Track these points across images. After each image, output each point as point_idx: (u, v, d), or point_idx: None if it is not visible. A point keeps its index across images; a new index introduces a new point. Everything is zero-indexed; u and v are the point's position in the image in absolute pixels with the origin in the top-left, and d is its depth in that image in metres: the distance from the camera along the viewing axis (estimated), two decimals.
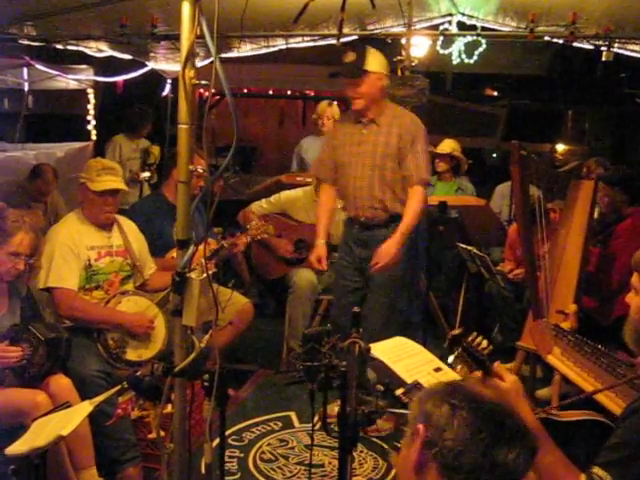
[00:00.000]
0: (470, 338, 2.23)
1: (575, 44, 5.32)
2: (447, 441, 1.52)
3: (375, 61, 4.23)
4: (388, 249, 4.20)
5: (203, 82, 2.28)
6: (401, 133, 4.26)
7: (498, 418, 1.56)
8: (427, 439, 1.55)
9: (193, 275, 2.29)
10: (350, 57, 4.20)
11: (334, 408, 3.53)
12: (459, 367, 2.52)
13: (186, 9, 2.23)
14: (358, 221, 4.42)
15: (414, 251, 4.47)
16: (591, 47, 5.22)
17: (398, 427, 4.36)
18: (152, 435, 3.72)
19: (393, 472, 4.02)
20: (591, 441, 2.45)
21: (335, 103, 6.60)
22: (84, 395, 3.43)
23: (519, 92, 11.59)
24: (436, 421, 1.55)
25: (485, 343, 2.23)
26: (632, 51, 5.35)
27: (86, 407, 3.02)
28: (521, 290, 5.33)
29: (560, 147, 10.35)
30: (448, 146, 6.66)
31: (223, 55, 6.38)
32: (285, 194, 5.71)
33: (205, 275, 2.32)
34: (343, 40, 5.70)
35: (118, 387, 2.98)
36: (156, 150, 6.98)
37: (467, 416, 1.53)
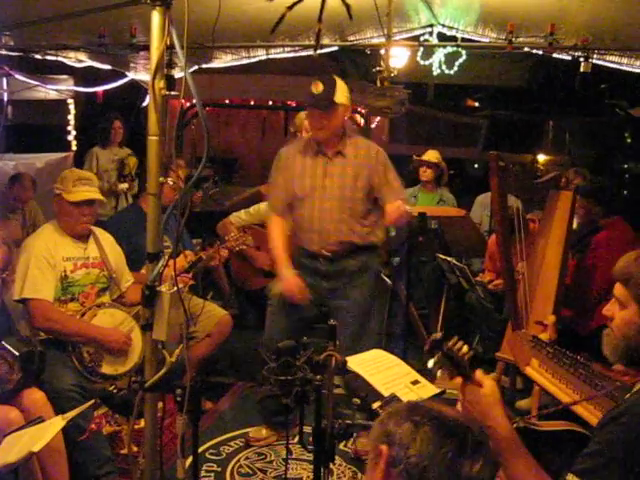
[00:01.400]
0: (451, 343, 2.20)
1: (554, 55, 5.33)
2: (411, 457, 1.52)
3: (343, 92, 4.12)
4: (398, 206, 4.12)
5: (173, 93, 2.26)
6: (371, 165, 4.18)
7: (460, 432, 1.56)
8: (391, 458, 1.55)
9: (163, 288, 2.26)
10: (319, 88, 4.06)
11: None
12: (439, 372, 2.51)
13: (156, 19, 2.21)
14: (323, 256, 4.25)
15: (375, 285, 4.40)
16: (569, 58, 5.23)
17: None
18: (124, 450, 3.67)
19: None
20: (569, 452, 2.43)
21: None
22: (59, 409, 3.37)
23: (500, 103, 11.64)
24: (399, 439, 1.55)
25: (466, 348, 2.20)
26: (611, 62, 5.37)
27: (58, 422, 2.98)
28: (501, 301, 5.32)
29: (541, 157, 10.37)
30: (433, 156, 6.68)
31: (204, 66, 6.36)
32: (264, 205, 5.66)
33: (176, 288, 2.29)
34: (322, 51, 5.70)
35: (91, 402, 2.95)
36: (132, 161, 6.94)
37: (430, 431, 1.54)
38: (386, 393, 2.73)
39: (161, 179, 2.31)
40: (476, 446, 1.55)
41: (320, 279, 4.29)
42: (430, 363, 2.78)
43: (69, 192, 3.95)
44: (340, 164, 4.20)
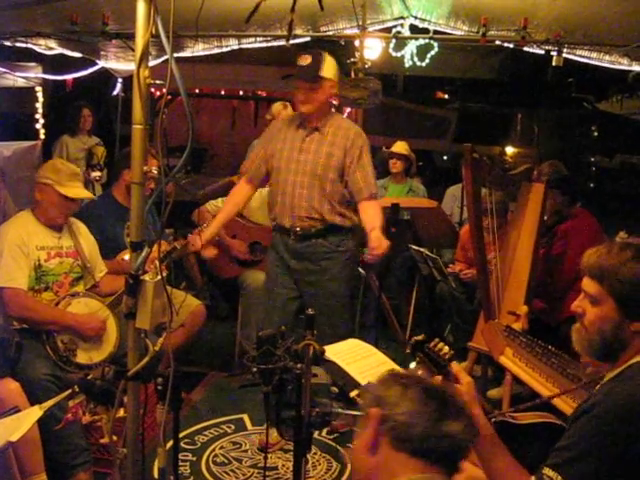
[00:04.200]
0: (432, 344, 2.26)
1: (526, 49, 5.39)
2: (399, 415, 1.67)
3: (330, 68, 4.12)
4: (380, 240, 4.00)
5: (158, 82, 2.25)
6: (347, 146, 4.14)
7: (444, 395, 1.74)
8: (381, 417, 1.69)
9: (147, 277, 2.27)
10: (306, 60, 4.08)
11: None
12: (420, 372, 2.54)
13: (141, 7, 2.20)
14: (294, 232, 4.22)
15: (350, 269, 4.37)
16: (542, 52, 5.29)
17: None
18: (104, 440, 3.65)
19: (346, 474, 4.03)
20: (545, 443, 2.48)
21: (290, 106, 6.59)
22: (33, 399, 3.37)
23: (470, 95, 11.74)
24: (388, 400, 1.70)
25: (447, 349, 2.25)
26: (581, 56, 5.44)
27: (36, 412, 2.96)
28: (472, 291, 5.38)
29: (509, 150, 10.48)
30: (403, 147, 6.72)
31: (175, 55, 6.31)
32: None
33: (159, 277, 2.29)
34: (294, 41, 5.70)
35: (69, 391, 2.93)
36: (99, 150, 6.90)
37: (416, 392, 1.70)
38: (363, 382, 2.75)
39: (145, 168, 2.30)
40: (457, 408, 1.71)
41: (290, 257, 4.27)
42: (412, 365, 2.81)
43: (64, 186, 3.92)
44: (317, 141, 4.19)
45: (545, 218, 4.89)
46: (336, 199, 4.17)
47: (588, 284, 2.19)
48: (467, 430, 1.67)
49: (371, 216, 4.14)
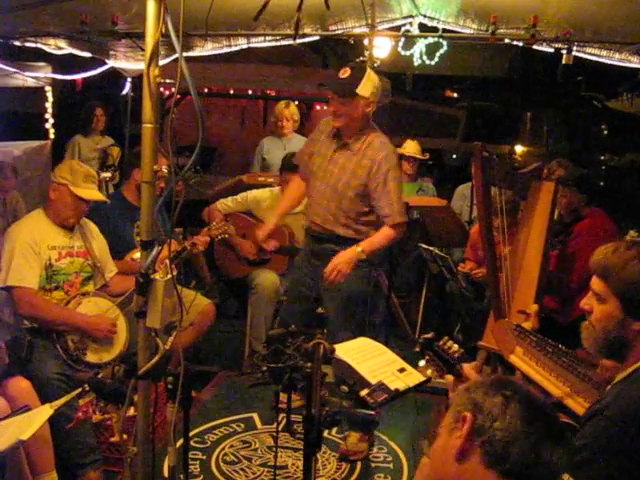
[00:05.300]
0: (441, 342, 2.25)
1: (535, 47, 5.37)
2: (497, 430, 1.53)
3: (369, 86, 4.00)
4: (338, 265, 4.03)
5: (168, 80, 2.26)
6: (372, 169, 4.03)
7: (548, 415, 1.58)
8: (476, 426, 1.56)
9: (157, 276, 2.27)
10: (345, 73, 3.99)
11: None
12: (429, 370, 2.54)
13: (151, 7, 2.21)
14: (311, 231, 4.30)
15: (369, 276, 4.30)
16: (551, 50, 5.27)
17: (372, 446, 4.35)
18: (115, 438, 3.67)
19: (356, 473, 4.03)
20: None
21: (292, 103, 6.60)
22: (43, 398, 3.38)
23: (479, 94, 11.72)
24: (487, 410, 1.56)
25: (456, 347, 2.25)
26: (591, 54, 5.41)
27: (46, 410, 2.98)
28: (482, 290, 5.38)
29: (519, 148, 10.47)
30: (415, 148, 6.71)
31: (185, 54, 6.31)
32: (252, 194, 5.67)
33: (169, 276, 2.29)
34: (302, 40, 5.70)
35: (79, 390, 2.95)
36: (115, 151, 6.91)
37: (519, 409, 1.55)
38: (373, 381, 2.75)
39: (155, 167, 2.30)
40: (559, 434, 1.56)
41: (310, 255, 4.32)
42: (421, 363, 2.82)
43: (79, 186, 3.96)
44: (345, 157, 4.12)
45: (561, 215, 4.90)
46: (352, 216, 4.14)
47: (595, 282, 2.23)
48: (564, 456, 1.54)
49: (369, 238, 4.12)
